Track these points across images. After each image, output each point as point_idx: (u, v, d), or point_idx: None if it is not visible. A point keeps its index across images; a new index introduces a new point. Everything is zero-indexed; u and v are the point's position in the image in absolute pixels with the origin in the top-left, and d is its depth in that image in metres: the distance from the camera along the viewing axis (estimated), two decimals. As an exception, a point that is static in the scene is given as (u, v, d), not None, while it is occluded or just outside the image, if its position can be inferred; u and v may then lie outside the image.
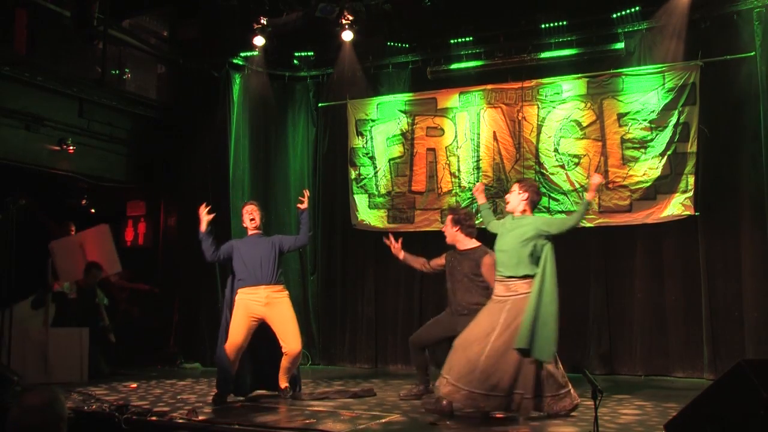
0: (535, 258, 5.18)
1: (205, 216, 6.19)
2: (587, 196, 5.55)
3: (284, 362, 6.16)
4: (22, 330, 7.45)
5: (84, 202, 9.48)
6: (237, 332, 6.03)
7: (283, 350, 6.11)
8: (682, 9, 7.53)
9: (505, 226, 5.44)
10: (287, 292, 6.29)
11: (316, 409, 5.69)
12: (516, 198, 5.42)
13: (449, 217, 6.19)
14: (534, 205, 5.48)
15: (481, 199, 5.97)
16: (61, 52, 8.05)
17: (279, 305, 6.13)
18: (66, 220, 8.89)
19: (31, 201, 8.04)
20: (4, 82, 7.61)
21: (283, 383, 6.20)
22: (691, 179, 7.56)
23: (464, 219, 6.10)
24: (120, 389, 6.71)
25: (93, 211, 9.83)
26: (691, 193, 7.54)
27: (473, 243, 6.10)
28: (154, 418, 5.10)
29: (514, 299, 5.15)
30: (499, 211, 8.34)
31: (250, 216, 6.34)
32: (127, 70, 9.04)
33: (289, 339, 6.10)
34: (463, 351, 5.15)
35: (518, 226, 5.32)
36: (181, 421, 5.04)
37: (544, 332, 4.99)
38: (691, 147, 7.59)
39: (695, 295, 7.53)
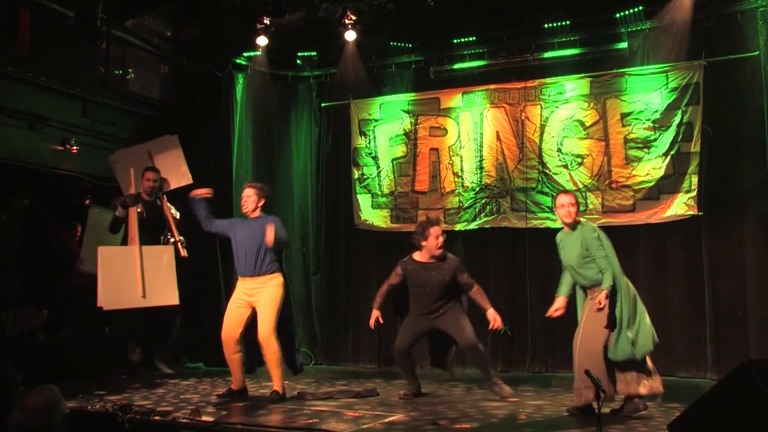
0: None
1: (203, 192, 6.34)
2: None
3: (264, 354, 6.15)
4: (108, 253, 7.06)
5: (87, 201, 9.47)
6: (228, 320, 6.19)
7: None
8: (686, 8, 7.50)
9: (561, 244, 5.60)
10: (278, 278, 6.21)
11: (319, 408, 5.70)
12: (568, 209, 5.53)
13: (437, 229, 6.27)
14: (578, 208, 5.66)
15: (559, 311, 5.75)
16: (65, 52, 8.04)
17: (262, 292, 6.14)
18: (70, 219, 8.89)
19: (35, 201, 8.06)
20: (8, 82, 7.61)
21: (275, 384, 6.14)
22: (695, 179, 7.55)
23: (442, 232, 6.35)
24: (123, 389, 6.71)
25: (96, 211, 9.83)
26: (694, 193, 7.53)
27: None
28: (157, 417, 5.10)
29: (592, 297, 5.37)
30: (502, 211, 8.36)
31: (243, 201, 6.39)
32: (130, 70, 9.04)
33: (261, 324, 6.08)
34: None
35: (570, 243, 5.48)
36: (184, 420, 5.05)
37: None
38: (695, 147, 7.57)
39: (699, 294, 7.52)
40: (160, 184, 7.57)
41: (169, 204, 7.65)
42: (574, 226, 5.53)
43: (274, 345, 6.08)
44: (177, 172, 7.75)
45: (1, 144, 7.62)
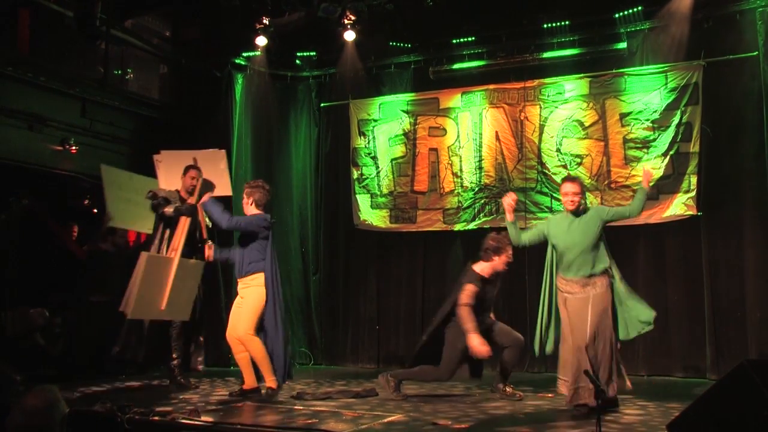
0: (604, 248, 5.43)
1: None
2: (644, 184, 5.67)
3: (249, 353, 6.12)
4: (152, 262, 6.57)
5: (86, 202, 9.46)
6: (229, 320, 6.26)
7: None
8: (685, 9, 7.52)
9: (561, 227, 5.56)
10: (258, 278, 6.13)
11: (318, 408, 5.70)
12: (572, 198, 5.54)
13: (511, 249, 6.11)
14: (583, 196, 5.73)
15: (510, 216, 5.91)
16: (64, 53, 8.05)
17: (246, 292, 6.17)
18: (68, 220, 8.89)
19: (34, 201, 8.05)
20: (7, 83, 7.61)
21: (267, 381, 6.09)
22: (694, 179, 7.55)
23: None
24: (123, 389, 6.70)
25: (95, 211, 9.82)
26: (693, 193, 7.54)
27: None
28: (156, 417, 5.08)
29: (594, 295, 5.34)
30: (501, 211, 8.33)
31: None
32: (129, 70, 9.04)
33: (240, 323, 6.10)
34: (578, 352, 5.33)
35: (582, 224, 5.47)
36: (183, 421, 5.05)
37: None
38: (694, 147, 7.58)
39: (698, 295, 7.53)
40: (199, 184, 7.08)
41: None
42: (578, 213, 5.55)
43: (253, 342, 6.02)
44: (219, 182, 7.44)
45: (0, 144, 7.62)
